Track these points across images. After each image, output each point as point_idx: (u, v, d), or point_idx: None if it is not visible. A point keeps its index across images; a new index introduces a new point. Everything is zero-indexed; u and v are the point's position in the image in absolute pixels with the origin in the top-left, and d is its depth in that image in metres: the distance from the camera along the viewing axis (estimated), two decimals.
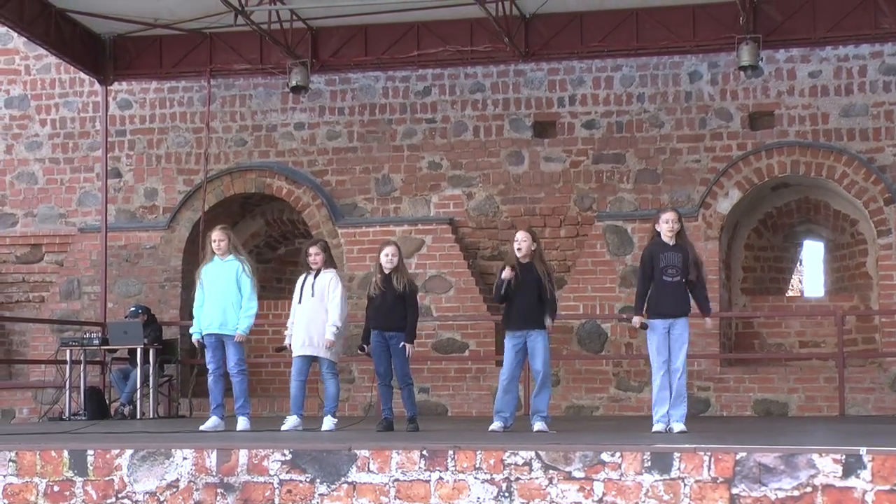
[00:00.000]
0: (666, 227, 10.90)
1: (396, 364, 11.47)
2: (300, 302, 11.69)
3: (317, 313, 11.60)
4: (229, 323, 11.68)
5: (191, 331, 11.95)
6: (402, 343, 11.44)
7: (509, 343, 11.09)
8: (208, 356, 11.80)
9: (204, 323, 11.75)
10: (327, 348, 11.54)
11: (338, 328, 11.57)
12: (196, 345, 11.95)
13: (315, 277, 11.71)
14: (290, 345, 11.77)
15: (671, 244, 10.91)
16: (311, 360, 11.72)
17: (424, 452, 8.08)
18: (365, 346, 11.69)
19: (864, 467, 7.39)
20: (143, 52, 17.17)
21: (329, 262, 11.84)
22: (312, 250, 11.79)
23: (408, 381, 11.53)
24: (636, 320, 10.95)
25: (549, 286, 11.12)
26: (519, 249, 11.03)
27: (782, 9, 15.43)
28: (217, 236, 11.84)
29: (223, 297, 11.68)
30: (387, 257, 11.47)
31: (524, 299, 11.00)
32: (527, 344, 11.03)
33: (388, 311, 11.41)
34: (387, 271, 11.46)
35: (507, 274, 10.97)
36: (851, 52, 16.52)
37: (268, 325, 17.25)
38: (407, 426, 11.28)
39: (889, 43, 16.22)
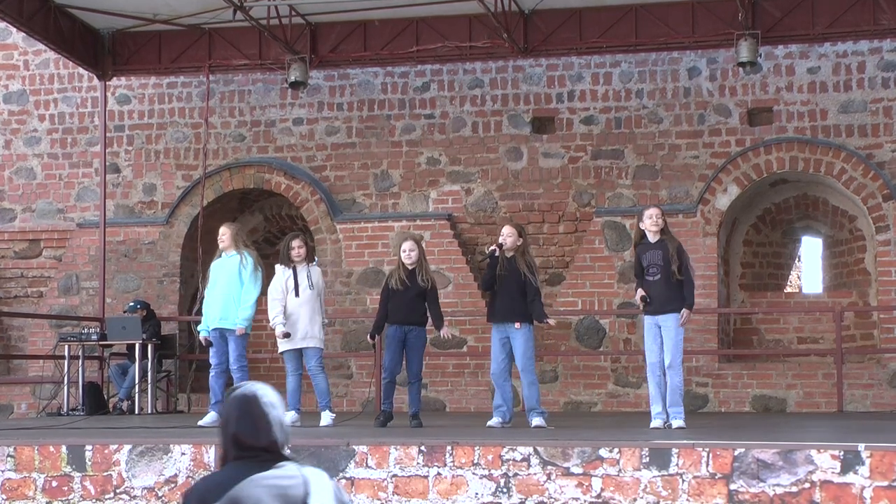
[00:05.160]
0: (649, 222, 11.02)
1: (413, 359, 11.51)
2: (297, 295, 11.70)
3: (314, 307, 11.70)
4: (230, 317, 11.72)
5: (198, 328, 12.01)
6: (442, 330, 11.59)
7: (495, 336, 11.21)
8: (212, 351, 11.83)
9: (209, 318, 11.78)
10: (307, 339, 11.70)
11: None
12: (203, 342, 11.94)
13: (308, 270, 11.75)
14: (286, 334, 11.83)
15: (653, 242, 11.01)
16: (302, 353, 11.79)
17: (423, 448, 8.09)
18: (376, 336, 11.72)
19: (863, 463, 7.40)
20: (141, 48, 17.15)
21: (311, 255, 11.98)
22: (296, 243, 11.84)
23: (419, 377, 11.58)
24: (639, 292, 11.01)
25: (533, 279, 11.14)
26: (501, 243, 11.09)
27: (781, 5, 15.42)
28: (220, 231, 11.93)
29: (225, 291, 11.74)
30: (405, 252, 11.52)
31: (506, 293, 11.08)
32: (509, 338, 11.11)
33: (410, 305, 11.44)
34: (410, 267, 11.48)
35: (492, 247, 11.12)
36: (850, 48, 16.51)
37: (266, 320, 17.22)
38: (410, 422, 11.28)
39: (888, 39, 16.22)
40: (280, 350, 11.83)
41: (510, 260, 11.12)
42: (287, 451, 4.06)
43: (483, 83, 17.52)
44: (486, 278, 11.25)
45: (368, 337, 11.97)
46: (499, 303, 11.14)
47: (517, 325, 11.02)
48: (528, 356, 11.07)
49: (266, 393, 4.09)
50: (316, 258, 12.77)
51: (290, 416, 11.54)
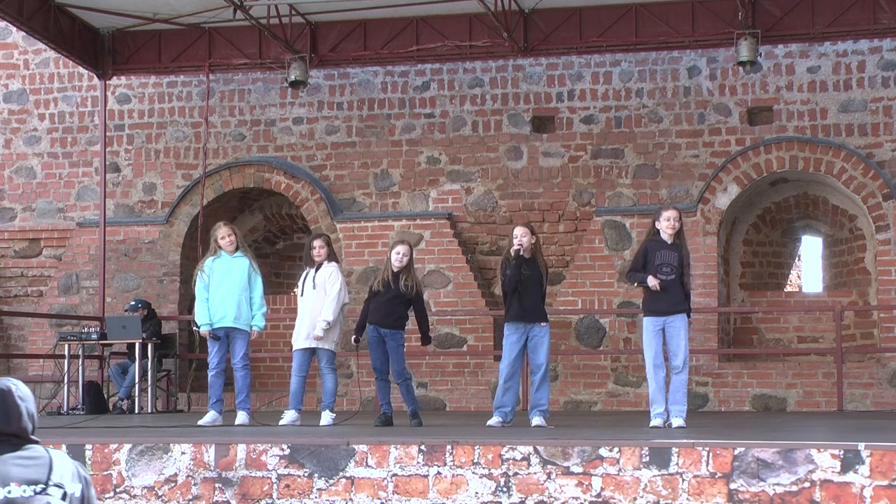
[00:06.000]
0: (666, 224, 10.96)
1: (391, 361, 11.47)
2: (302, 295, 11.73)
3: (318, 306, 11.63)
4: (242, 317, 11.72)
5: (198, 321, 11.83)
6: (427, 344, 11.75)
7: (513, 336, 11.09)
8: (213, 351, 11.77)
9: (214, 317, 11.72)
10: (315, 340, 11.57)
11: (328, 323, 11.60)
12: (206, 335, 11.83)
13: (317, 271, 11.74)
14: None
15: (669, 242, 10.96)
16: (311, 354, 11.74)
17: (423, 447, 8.09)
18: (359, 339, 11.69)
19: (863, 462, 7.40)
20: (141, 47, 17.15)
21: (332, 256, 11.90)
22: (317, 243, 11.82)
23: (405, 377, 11.52)
24: (652, 282, 10.86)
25: (546, 282, 11.24)
26: (520, 245, 11.05)
27: (781, 4, 15.42)
28: (227, 232, 11.87)
29: (236, 292, 11.71)
30: (397, 255, 11.48)
31: (530, 293, 11.05)
32: (528, 338, 11.06)
33: (388, 308, 11.43)
34: (395, 269, 11.48)
35: (515, 248, 11.01)
36: (850, 47, 16.51)
37: (266, 320, 17.19)
38: (410, 421, 11.26)
39: (887, 38, 16.22)
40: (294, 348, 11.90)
41: (529, 260, 11.12)
42: (35, 437, 4.75)
43: (483, 82, 17.52)
44: (512, 280, 11.09)
45: (353, 339, 11.82)
46: (520, 302, 11.09)
47: (543, 323, 11.05)
48: (549, 354, 11.14)
49: (19, 387, 4.76)
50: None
51: (290, 416, 11.54)
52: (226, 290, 11.73)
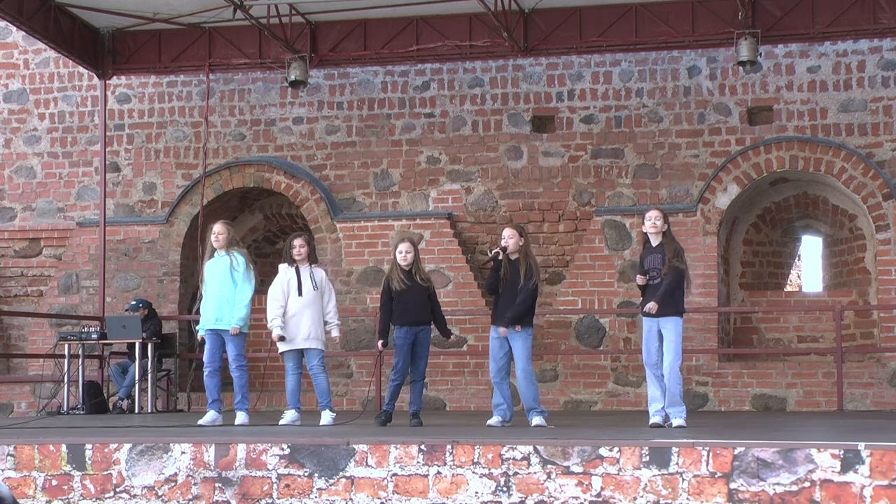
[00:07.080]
0: (649, 223, 10.98)
1: (421, 357, 11.46)
2: (301, 294, 11.64)
3: (318, 307, 11.64)
4: (224, 318, 11.69)
5: (196, 328, 12.04)
6: (450, 335, 11.77)
7: (493, 337, 11.18)
8: (205, 351, 11.84)
9: (204, 318, 11.79)
10: (336, 345, 11.71)
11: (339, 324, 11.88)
12: (200, 341, 11.99)
13: (311, 270, 11.70)
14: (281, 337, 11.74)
15: (654, 245, 10.97)
16: (303, 353, 11.73)
17: (423, 447, 8.10)
18: (387, 343, 11.51)
19: (863, 462, 7.40)
20: (141, 47, 17.15)
21: (312, 256, 11.87)
22: (297, 242, 11.76)
23: (424, 376, 11.57)
24: (639, 280, 10.97)
25: (526, 282, 11.05)
26: (503, 247, 11.07)
27: (781, 4, 15.43)
28: (217, 229, 11.86)
29: (219, 292, 11.71)
30: (401, 254, 11.46)
31: (509, 295, 11.05)
32: (508, 339, 11.09)
33: (419, 305, 11.44)
34: (405, 268, 11.45)
35: (495, 250, 11.08)
36: (850, 47, 16.52)
37: (265, 319, 17.18)
38: (410, 421, 11.24)
39: (887, 38, 16.22)
40: (280, 350, 11.78)
41: (513, 262, 11.10)
42: None
43: (483, 82, 17.52)
44: (490, 282, 11.20)
45: (381, 344, 11.56)
46: (501, 305, 11.13)
47: (517, 328, 11.01)
48: (527, 358, 11.04)
49: None
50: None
51: (290, 416, 11.54)
52: (212, 290, 11.78)
